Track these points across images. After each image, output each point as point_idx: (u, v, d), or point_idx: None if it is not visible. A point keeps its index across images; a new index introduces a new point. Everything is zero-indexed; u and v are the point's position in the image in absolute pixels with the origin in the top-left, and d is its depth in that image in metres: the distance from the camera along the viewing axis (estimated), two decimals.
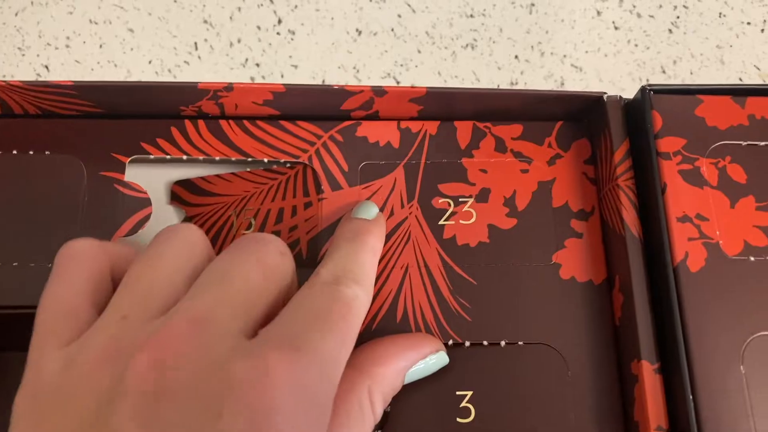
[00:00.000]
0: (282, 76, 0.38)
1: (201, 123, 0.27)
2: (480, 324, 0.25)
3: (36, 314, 0.19)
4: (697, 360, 0.22)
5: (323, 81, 0.39)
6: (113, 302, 0.19)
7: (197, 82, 0.25)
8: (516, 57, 0.39)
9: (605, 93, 0.26)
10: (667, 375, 0.23)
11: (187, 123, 0.27)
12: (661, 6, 0.40)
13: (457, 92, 0.26)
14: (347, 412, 0.20)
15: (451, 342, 0.25)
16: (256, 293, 0.18)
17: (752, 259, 0.23)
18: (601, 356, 0.24)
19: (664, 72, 0.39)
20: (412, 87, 0.26)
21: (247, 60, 0.39)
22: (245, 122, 0.27)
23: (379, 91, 0.26)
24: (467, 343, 0.25)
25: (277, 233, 0.27)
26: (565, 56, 0.39)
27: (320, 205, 0.27)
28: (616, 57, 0.39)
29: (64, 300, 0.19)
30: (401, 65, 0.39)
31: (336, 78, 0.38)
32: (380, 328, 0.25)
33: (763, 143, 0.25)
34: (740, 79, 0.39)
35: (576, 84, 0.38)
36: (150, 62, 0.39)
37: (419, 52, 0.39)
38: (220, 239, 0.27)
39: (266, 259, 0.19)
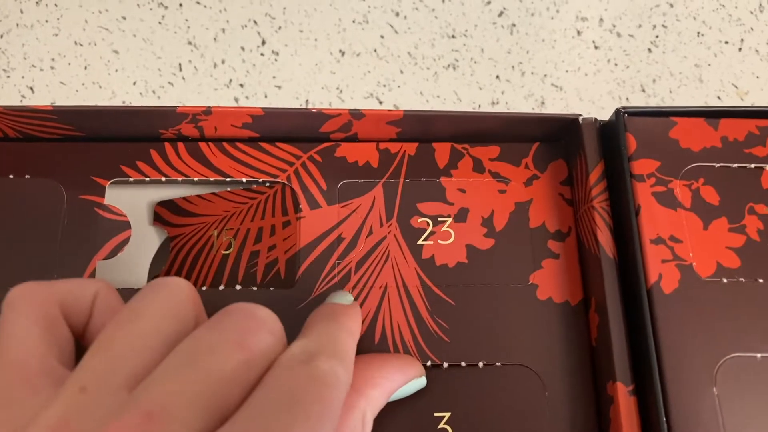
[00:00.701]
0: (266, 97, 0.39)
1: (181, 146, 0.27)
2: (458, 345, 0.25)
3: None
4: (671, 381, 0.22)
5: (306, 101, 0.39)
6: (78, 368, 0.17)
7: (176, 106, 0.25)
8: (497, 77, 0.39)
9: (581, 115, 0.26)
10: (641, 396, 0.23)
11: (167, 146, 0.27)
12: (640, 26, 0.41)
13: (435, 115, 0.27)
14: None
15: (429, 363, 0.25)
16: (230, 383, 0.16)
17: (725, 280, 0.24)
18: (578, 377, 0.24)
19: (643, 90, 0.39)
20: (389, 110, 0.26)
21: (231, 80, 0.39)
22: (225, 144, 0.27)
23: (356, 114, 0.26)
24: (445, 364, 0.25)
25: (257, 252, 0.27)
26: (545, 76, 0.39)
27: (299, 224, 0.27)
28: (596, 76, 0.39)
29: (15, 364, 0.17)
30: (384, 85, 0.39)
31: (319, 98, 0.39)
32: (358, 350, 0.25)
33: (735, 165, 0.25)
34: (719, 98, 0.40)
35: (556, 103, 0.39)
36: (134, 83, 0.39)
37: (402, 72, 0.40)
38: (200, 259, 0.27)
39: (252, 342, 0.17)
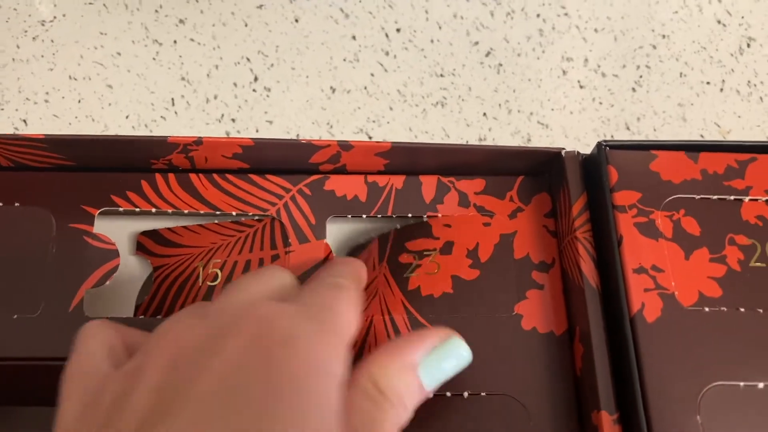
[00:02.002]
0: (257, 131, 0.39)
1: (171, 176, 0.28)
2: None
3: (62, 383, 0.20)
4: (655, 410, 0.22)
5: (297, 135, 0.39)
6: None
7: (167, 136, 0.25)
8: (484, 114, 0.40)
9: (564, 149, 0.27)
10: (626, 425, 0.23)
11: (158, 176, 0.28)
12: (624, 66, 0.42)
13: (421, 147, 0.27)
14: (351, 400, 0.20)
15: None
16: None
17: (707, 309, 0.24)
18: (563, 407, 0.25)
19: (628, 128, 0.40)
20: (377, 142, 0.26)
21: (223, 115, 0.40)
22: (215, 176, 0.28)
23: (345, 146, 0.27)
24: (431, 395, 0.25)
25: None
26: (531, 114, 0.40)
27: (287, 257, 0.27)
28: (582, 114, 0.40)
29: (85, 364, 0.20)
30: (373, 121, 0.40)
31: (310, 133, 0.39)
32: None
33: (715, 197, 0.26)
34: (701, 135, 0.40)
35: (542, 140, 0.39)
36: (127, 117, 0.40)
37: (391, 109, 0.40)
38: (185, 290, 0.27)
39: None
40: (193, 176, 0.28)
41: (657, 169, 0.26)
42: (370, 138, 0.40)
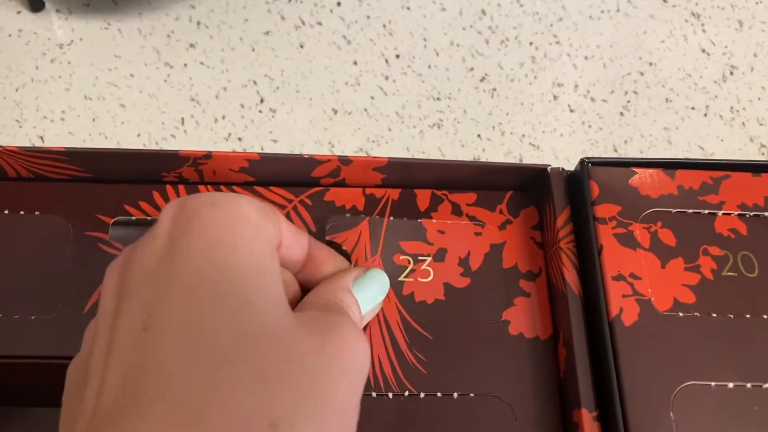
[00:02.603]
0: (262, 149, 0.41)
1: (181, 188, 0.29)
2: (434, 377, 0.27)
3: None
4: (631, 407, 0.24)
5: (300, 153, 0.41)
6: None
7: (179, 150, 0.27)
8: (478, 136, 0.42)
9: (549, 165, 0.29)
10: (605, 422, 0.24)
11: (168, 188, 0.29)
12: (613, 91, 0.44)
13: (417, 162, 0.29)
14: (307, 318, 0.21)
15: (407, 393, 0.26)
16: None
17: (681, 314, 0.26)
18: (547, 406, 0.26)
19: (615, 151, 0.42)
20: (375, 157, 0.28)
21: (230, 134, 0.42)
22: (222, 187, 0.30)
23: (345, 160, 0.28)
24: (422, 394, 0.26)
25: None
26: (523, 136, 0.42)
27: None
28: (571, 137, 0.42)
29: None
30: (373, 141, 0.42)
31: (312, 151, 0.41)
32: None
33: (691, 211, 0.28)
34: (686, 158, 0.42)
35: (533, 161, 0.41)
36: (138, 135, 0.42)
37: (389, 129, 0.42)
38: None
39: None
40: (201, 188, 0.30)
41: (636, 184, 0.28)
42: None
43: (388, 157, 0.29)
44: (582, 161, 0.28)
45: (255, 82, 0.42)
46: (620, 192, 0.28)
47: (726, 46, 0.45)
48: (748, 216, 0.28)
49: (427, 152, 0.40)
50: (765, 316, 0.26)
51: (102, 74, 0.42)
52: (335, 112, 0.41)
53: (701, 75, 0.44)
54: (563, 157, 0.41)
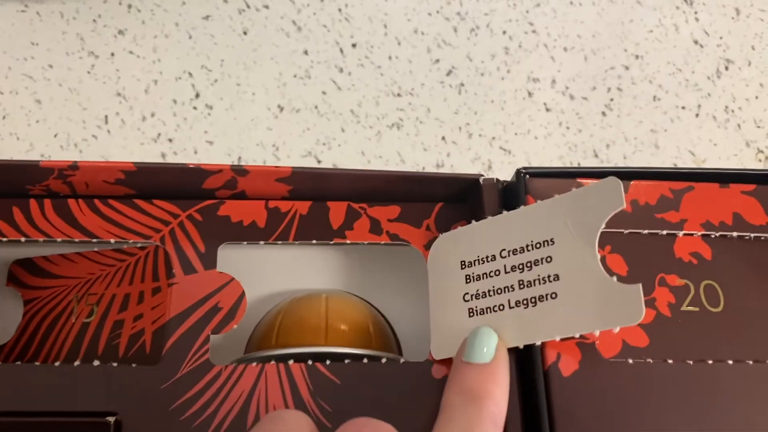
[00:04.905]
0: (195, 153, 0.36)
1: (47, 202, 0.25)
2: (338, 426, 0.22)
3: None
4: None
5: (239, 158, 0.36)
6: None
7: (39, 160, 0.23)
8: (443, 138, 0.37)
9: (482, 175, 0.24)
10: None
11: (32, 202, 0.25)
12: (594, 88, 0.39)
13: (329, 173, 0.24)
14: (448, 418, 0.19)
15: None
16: None
17: (630, 361, 0.21)
18: None
19: (596, 156, 0.38)
20: (277, 166, 0.24)
21: (159, 135, 0.37)
22: (96, 201, 0.25)
23: (240, 171, 0.24)
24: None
25: (121, 322, 0.24)
26: (494, 138, 0.37)
27: (170, 290, 0.24)
28: (547, 140, 0.38)
29: None
30: (323, 144, 0.37)
31: (253, 155, 0.36)
32: None
33: (646, 231, 0.23)
34: (675, 164, 0.38)
35: (504, 167, 0.36)
36: (56, 135, 0.37)
37: (343, 130, 0.37)
38: (57, 327, 0.24)
39: None
40: (71, 202, 0.25)
41: None
42: (318, 162, 0.37)
43: (292, 167, 0.24)
44: (518, 171, 0.23)
45: (190, 74, 0.37)
46: None
47: (721, 37, 0.40)
48: (713, 236, 0.24)
49: (384, 157, 0.35)
50: (730, 362, 0.22)
51: (16, 64, 0.37)
52: (281, 109, 0.36)
53: (693, 70, 0.40)
54: (538, 163, 0.36)
